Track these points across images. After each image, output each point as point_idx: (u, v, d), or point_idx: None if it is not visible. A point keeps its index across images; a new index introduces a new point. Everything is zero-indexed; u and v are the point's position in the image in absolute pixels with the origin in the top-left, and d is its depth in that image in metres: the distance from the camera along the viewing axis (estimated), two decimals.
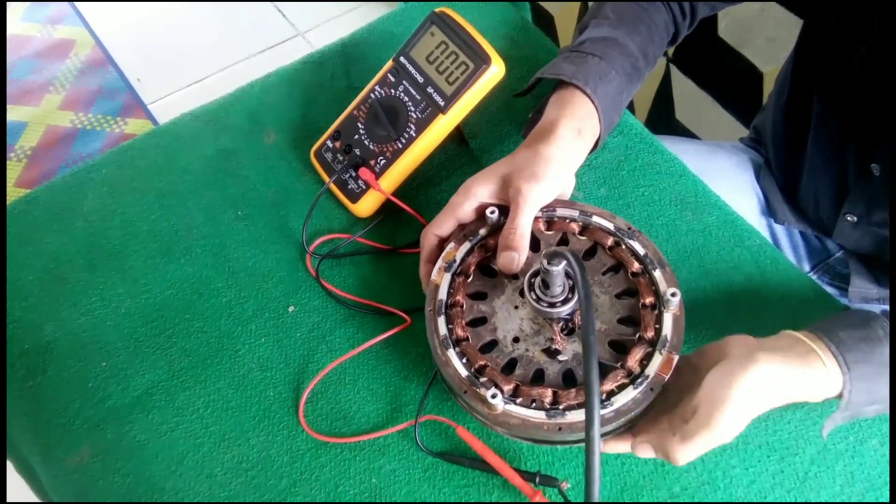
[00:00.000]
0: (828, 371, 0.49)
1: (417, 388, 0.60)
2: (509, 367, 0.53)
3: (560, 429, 0.49)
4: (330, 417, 0.59)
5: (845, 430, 0.57)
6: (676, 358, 0.50)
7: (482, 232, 0.58)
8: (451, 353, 0.52)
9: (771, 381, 0.49)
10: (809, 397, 0.50)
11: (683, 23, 0.71)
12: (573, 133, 0.59)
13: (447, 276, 0.56)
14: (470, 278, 0.57)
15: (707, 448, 0.49)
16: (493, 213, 0.57)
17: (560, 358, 0.53)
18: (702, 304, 0.63)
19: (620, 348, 0.53)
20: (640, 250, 0.56)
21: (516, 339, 0.54)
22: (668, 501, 0.55)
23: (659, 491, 0.55)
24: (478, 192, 0.58)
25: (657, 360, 0.51)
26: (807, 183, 0.77)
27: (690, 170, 0.73)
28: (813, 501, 0.55)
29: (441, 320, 0.54)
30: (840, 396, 0.49)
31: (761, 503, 0.55)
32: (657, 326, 0.52)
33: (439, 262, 0.57)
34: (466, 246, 0.58)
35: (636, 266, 0.55)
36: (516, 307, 0.55)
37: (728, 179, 0.82)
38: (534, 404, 0.50)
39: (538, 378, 0.52)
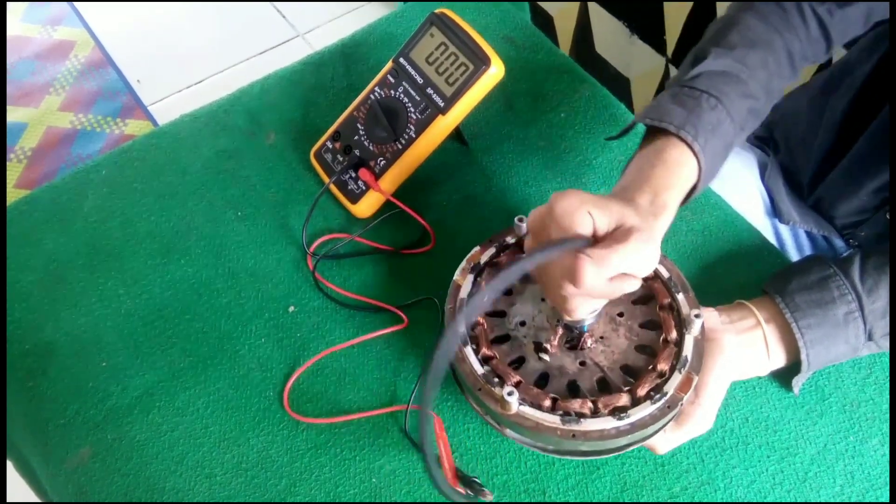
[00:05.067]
0: (770, 348, 0.56)
1: (417, 388, 0.60)
2: (500, 340, 0.54)
3: (574, 436, 0.49)
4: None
5: (845, 430, 0.57)
6: (696, 379, 0.51)
7: (510, 239, 0.58)
8: (468, 351, 0.53)
9: (731, 368, 0.55)
10: (765, 370, 0.57)
11: (819, 49, 0.62)
12: (677, 204, 0.52)
13: (469, 277, 0.56)
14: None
15: (686, 439, 0.54)
16: (521, 221, 0.56)
17: (543, 357, 0.53)
18: (702, 304, 0.63)
19: (646, 356, 0.54)
20: (665, 273, 0.56)
21: (522, 323, 0.55)
22: (668, 501, 0.55)
23: (659, 491, 0.55)
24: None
25: (676, 378, 0.51)
26: (841, 178, 0.75)
27: None
28: (813, 501, 0.55)
29: (460, 317, 0.54)
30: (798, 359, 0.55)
31: (761, 503, 0.55)
32: (677, 337, 0.53)
33: (462, 264, 0.58)
34: (492, 250, 0.58)
35: (665, 300, 0.55)
36: (543, 299, 0.57)
37: (732, 179, 0.82)
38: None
39: (517, 364, 0.53)
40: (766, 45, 0.58)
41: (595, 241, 0.45)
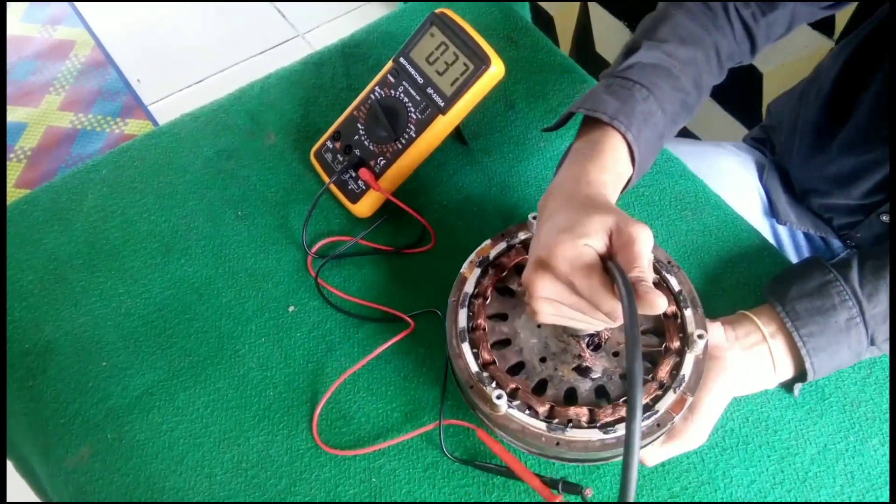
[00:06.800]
0: (777, 362, 0.56)
1: (418, 389, 0.60)
2: (540, 387, 0.53)
3: (558, 444, 0.49)
4: (330, 418, 0.59)
5: (845, 430, 0.57)
6: (690, 400, 0.50)
7: (521, 235, 0.58)
8: (465, 347, 0.53)
9: (732, 386, 0.55)
10: (772, 383, 0.57)
11: (745, 49, 0.64)
12: (618, 185, 0.53)
13: (477, 271, 0.56)
14: (489, 300, 0.56)
15: (676, 453, 0.54)
16: (535, 218, 0.56)
17: (592, 376, 0.53)
18: (703, 304, 0.63)
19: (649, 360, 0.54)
20: (676, 286, 0.55)
21: (543, 359, 0.54)
22: (668, 501, 0.55)
23: (659, 491, 0.55)
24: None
25: (670, 397, 0.50)
26: (824, 182, 0.75)
27: (690, 170, 0.73)
28: (813, 501, 0.55)
29: (462, 312, 0.54)
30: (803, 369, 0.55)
31: (761, 503, 0.55)
32: (680, 335, 0.53)
33: (472, 256, 0.57)
34: (502, 245, 0.58)
35: (669, 309, 0.55)
36: (539, 326, 0.55)
37: (731, 180, 0.82)
38: (570, 424, 0.49)
39: (571, 397, 0.52)
40: (696, 41, 0.60)
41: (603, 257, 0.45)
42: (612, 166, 0.52)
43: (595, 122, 0.55)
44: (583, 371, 0.53)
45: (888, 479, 0.55)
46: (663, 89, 0.56)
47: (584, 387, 0.52)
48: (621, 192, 0.54)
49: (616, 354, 0.53)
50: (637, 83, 0.56)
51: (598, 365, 0.53)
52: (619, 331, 0.54)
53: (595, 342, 0.54)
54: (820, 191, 0.77)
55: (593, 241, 0.45)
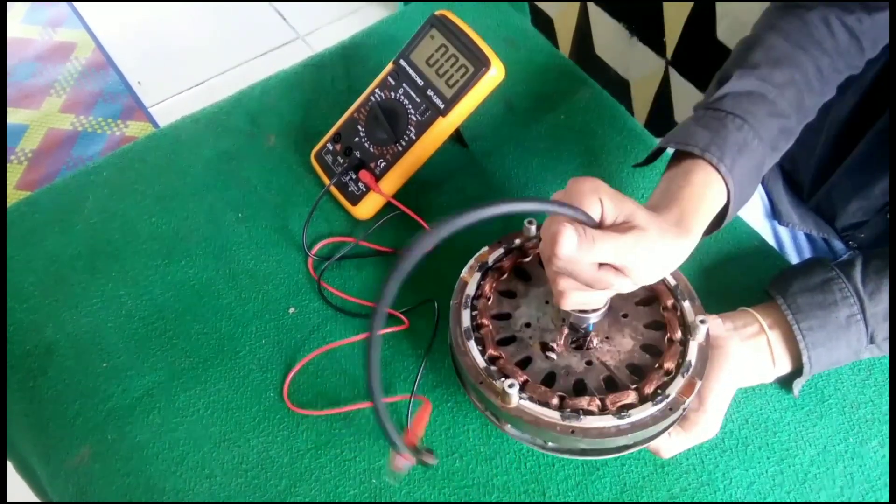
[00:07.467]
0: (775, 354, 0.56)
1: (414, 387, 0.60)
2: (506, 342, 0.54)
3: (573, 432, 0.49)
4: (331, 417, 0.59)
5: (845, 432, 0.58)
6: (699, 383, 0.51)
7: (517, 241, 0.59)
8: (471, 345, 0.53)
9: (736, 378, 0.55)
10: (770, 377, 0.57)
11: (852, 58, 0.61)
12: (703, 228, 0.52)
13: (476, 276, 0.57)
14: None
15: (690, 445, 0.54)
16: (531, 223, 0.57)
17: (550, 355, 0.53)
18: (703, 307, 0.63)
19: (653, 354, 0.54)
20: (672, 281, 0.56)
21: (528, 325, 0.55)
22: (668, 502, 0.55)
23: (658, 492, 0.55)
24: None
25: (679, 382, 0.51)
26: (847, 179, 0.74)
27: None
28: (813, 503, 0.55)
29: (466, 313, 0.55)
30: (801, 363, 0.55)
31: None
32: (682, 325, 0.53)
33: (471, 262, 0.58)
34: (500, 251, 0.58)
35: (669, 302, 0.55)
36: (547, 302, 0.57)
37: None
38: (506, 380, 0.49)
39: (524, 364, 0.53)
40: (791, 62, 0.58)
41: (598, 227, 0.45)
42: (703, 203, 0.51)
43: (687, 154, 0.54)
44: (546, 348, 0.54)
45: (888, 480, 0.55)
46: (758, 117, 0.55)
47: (540, 364, 0.53)
48: (719, 227, 0.55)
49: (589, 363, 0.54)
50: (730, 113, 0.54)
51: (565, 357, 0.54)
52: (608, 351, 0.54)
53: (579, 342, 0.54)
54: (837, 188, 0.76)
55: (609, 204, 0.45)
